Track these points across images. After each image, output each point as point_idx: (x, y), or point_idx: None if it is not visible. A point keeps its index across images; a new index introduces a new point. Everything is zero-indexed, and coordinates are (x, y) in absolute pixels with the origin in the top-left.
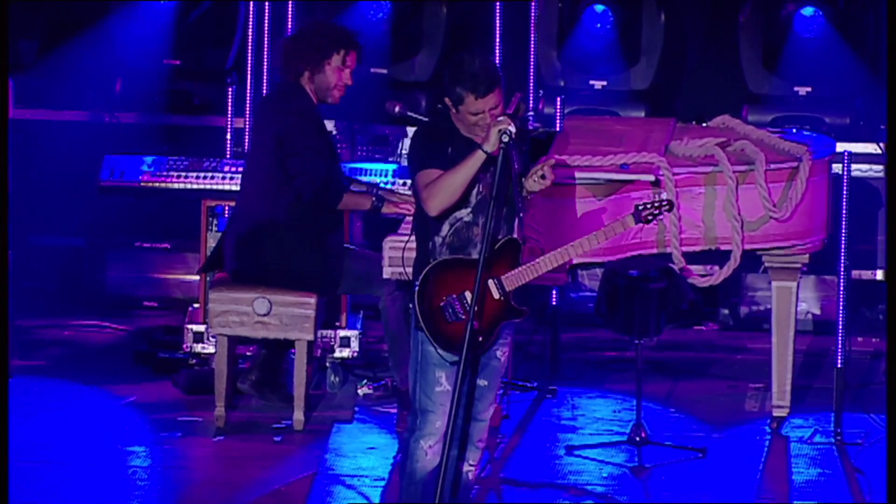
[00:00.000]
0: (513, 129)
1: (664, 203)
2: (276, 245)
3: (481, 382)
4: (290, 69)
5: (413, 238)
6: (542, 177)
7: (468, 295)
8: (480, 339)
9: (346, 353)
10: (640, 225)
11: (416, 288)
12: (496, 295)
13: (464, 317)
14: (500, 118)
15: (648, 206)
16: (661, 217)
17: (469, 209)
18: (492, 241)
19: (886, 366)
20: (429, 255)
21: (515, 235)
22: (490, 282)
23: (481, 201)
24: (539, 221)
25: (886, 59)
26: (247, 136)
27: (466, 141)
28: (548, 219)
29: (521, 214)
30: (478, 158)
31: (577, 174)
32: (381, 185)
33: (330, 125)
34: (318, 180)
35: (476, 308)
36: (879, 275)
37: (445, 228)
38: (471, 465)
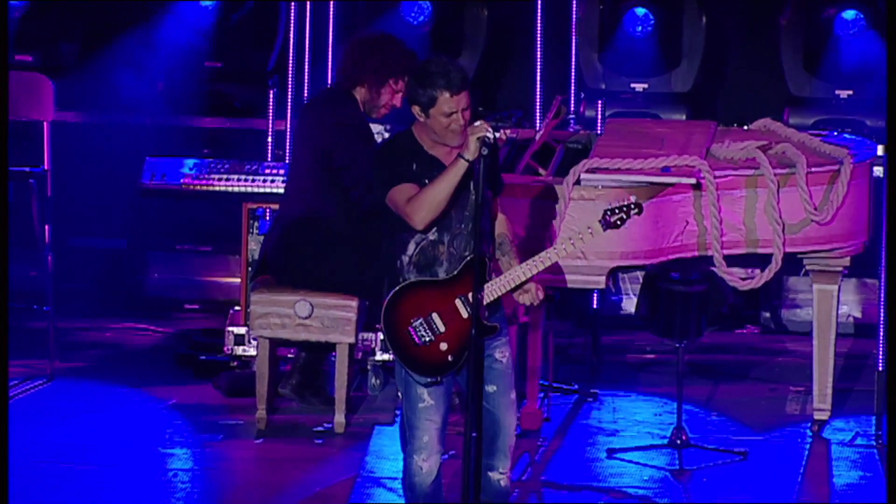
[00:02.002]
0: (492, 134)
1: (632, 206)
2: (319, 248)
3: (490, 388)
4: (350, 76)
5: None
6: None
7: (435, 316)
8: (451, 359)
9: (387, 355)
10: (683, 227)
11: (382, 314)
12: (464, 314)
13: (433, 339)
14: (478, 123)
15: (616, 210)
16: (629, 220)
17: (435, 227)
18: (455, 258)
19: (887, 365)
20: (396, 274)
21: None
22: (457, 301)
23: (447, 220)
24: (579, 224)
25: (887, 65)
26: (288, 139)
27: (429, 158)
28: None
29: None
30: (459, 167)
31: (619, 177)
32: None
33: (376, 130)
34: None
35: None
36: None
37: (411, 247)
38: (501, 473)
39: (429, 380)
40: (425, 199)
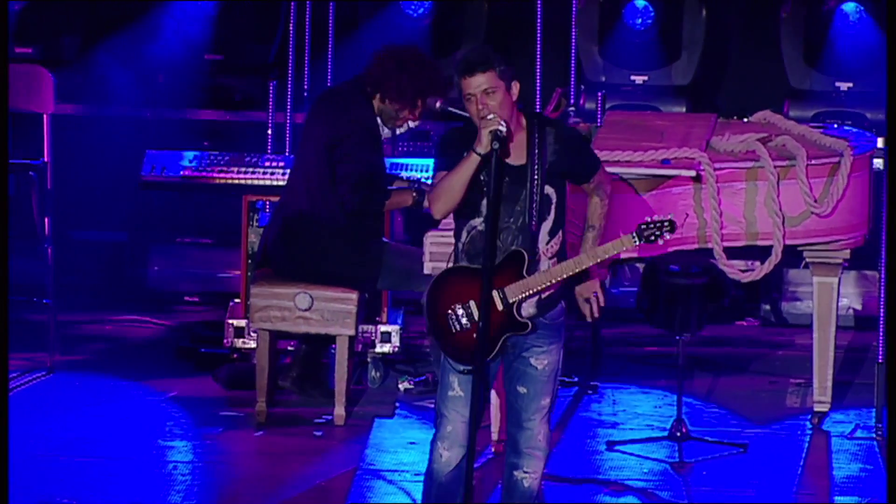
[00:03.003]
0: (503, 128)
1: (666, 224)
2: (315, 240)
3: (521, 390)
4: (377, 84)
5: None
6: (587, 300)
7: (472, 305)
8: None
9: (387, 348)
10: (683, 219)
11: (425, 297)
12: (499, 306)
13: (470, 326)
14: (490, 117)
15: (651, 225)
16: (664, 237)
17: (481, 218)
18: (501, 251)
19: (886, 364)
20: (455, 259)
21: (540, 245)
22: (494, 293)
23: (490, 207)
24: (579, 217)
25: (887, 58)
26: (288, 132)
27: None
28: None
29: (544, 222)
30: (471, 161)
31: (618, 169)
32: (423, 180)
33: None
34: (361, 190)
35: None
36: None
37: (464, 235)
38: (525, 472)
39: (463, 367)
40: (440, 190)
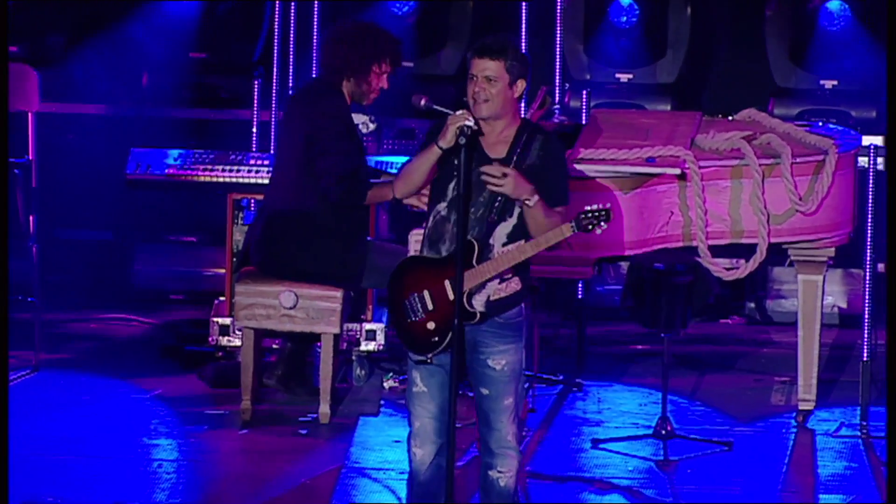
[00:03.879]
0: (471, 124)
1: (602, 213)
2: (299, 238)
3: (483, 391)
4: (333, 69)
5: None
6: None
7: (427, 294)
8: (436, 339)
9: (371, 346)
10: (668, 217)
11: (389, 285)
12: (450, 296)
13: (423, 316)
14: (459, 112)
15: (589, 214)
16: (601, 226)
17: (445, 203)
18: (460, 242)
19: (886, 362)
20: (422, 243)
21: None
22: (447, 282)
23: (457, 197)
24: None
25: (887, 58)
26: (273, 130)
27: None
28: (574, 212)
29: (504, 222)
30: (432, 153)
31: (603, 167)
32: None
33: (361, 119)
34: (345, 182)
35: (433, 308)
36: None
37: (430, 220)
38: (499, 472)
39: (418, 357)
40: (403, 172)
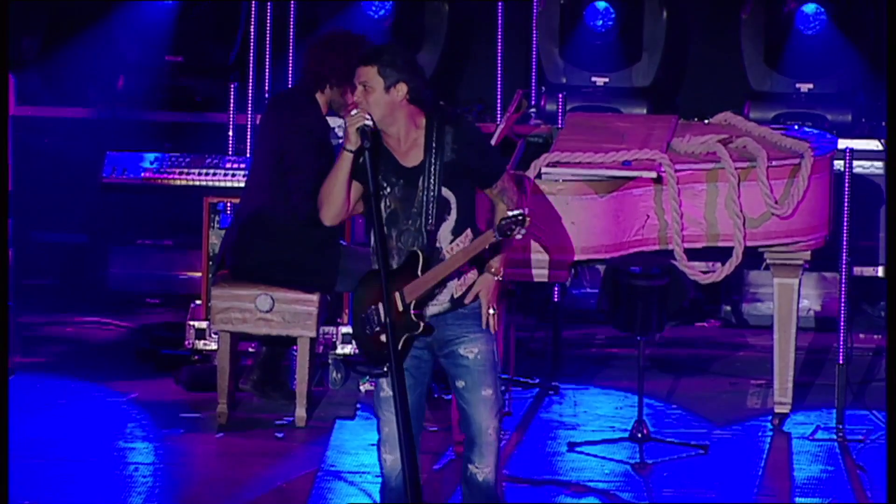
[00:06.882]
0: (369, 122)
1: (519, 217)
2: (272, 243)
3: (459, 384)
4: (318, 76)
5: None
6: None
7: (379, 308)
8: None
9: (348, 349)
10: (644, 221)
11: (353, 297)
12: (399, 307)
13: (378, 329)
14: (354, 112)
15: (508, 220)
16: (520, 230)
17: (383, 221)
18: (403, 253)
19: (887, 363)
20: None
21: (442, 245)
22: (396, 294)
23: (391, 214)
24: (541, 219)
25: (887, 58)
26: (249, 134)
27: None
28: (550, 216)
29: (444, 223)
30: (344, 159)
31: (579, 171)
32: None
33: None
34: (313, 201)
35: (387, 320)
36: (881, 271)
37: (371, 238)
38: (477, 467)
39: (377, 371)
40: (321, 195)
